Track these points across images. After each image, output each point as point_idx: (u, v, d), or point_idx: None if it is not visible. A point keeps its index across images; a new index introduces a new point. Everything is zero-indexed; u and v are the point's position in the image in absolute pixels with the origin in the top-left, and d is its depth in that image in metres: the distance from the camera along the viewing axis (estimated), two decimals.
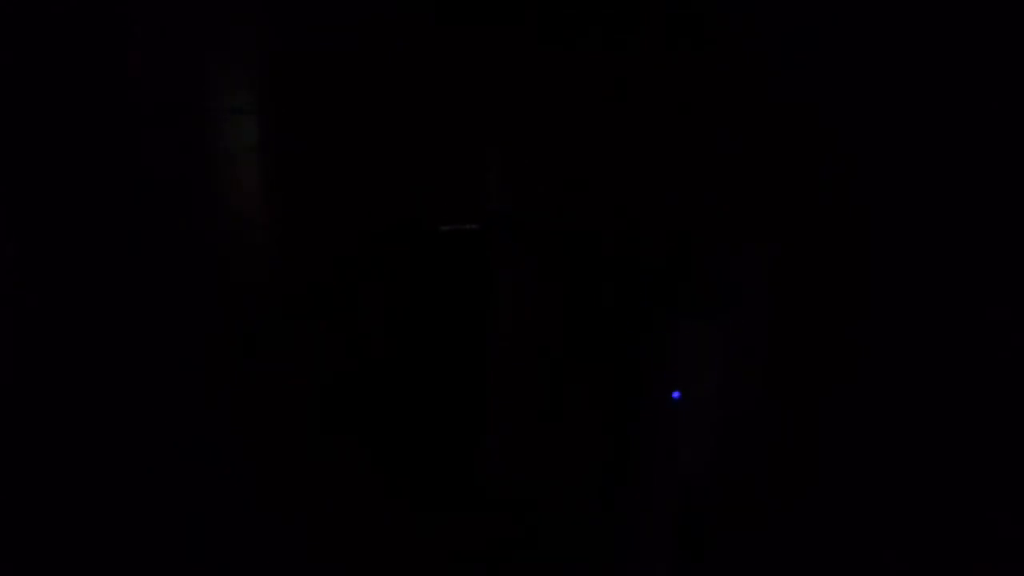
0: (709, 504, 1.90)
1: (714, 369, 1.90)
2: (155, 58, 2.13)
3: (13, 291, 2.10)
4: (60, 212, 2.06)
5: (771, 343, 2.16)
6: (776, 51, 2.07)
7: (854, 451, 2.12)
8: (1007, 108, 1.96)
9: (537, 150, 2.06)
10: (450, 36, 2.08)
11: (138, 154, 2.13)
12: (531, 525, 2.02)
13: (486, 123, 2.09)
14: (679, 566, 1.90)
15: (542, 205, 2.02)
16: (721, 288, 1.87)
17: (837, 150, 2.07)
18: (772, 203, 2.12)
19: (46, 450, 2.29)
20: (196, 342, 2.19)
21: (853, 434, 2.13)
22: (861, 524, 2.05)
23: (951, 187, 2.04)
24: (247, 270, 2.16)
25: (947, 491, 2.05)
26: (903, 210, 2.08)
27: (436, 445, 2.06)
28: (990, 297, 2.04)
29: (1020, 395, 2.04)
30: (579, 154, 2.07)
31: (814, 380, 2.15)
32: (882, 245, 2.11)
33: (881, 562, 2.01)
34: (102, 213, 2.11)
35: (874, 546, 2.03)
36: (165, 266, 2.16)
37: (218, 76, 2.15)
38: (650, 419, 1.80)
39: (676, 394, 1.78)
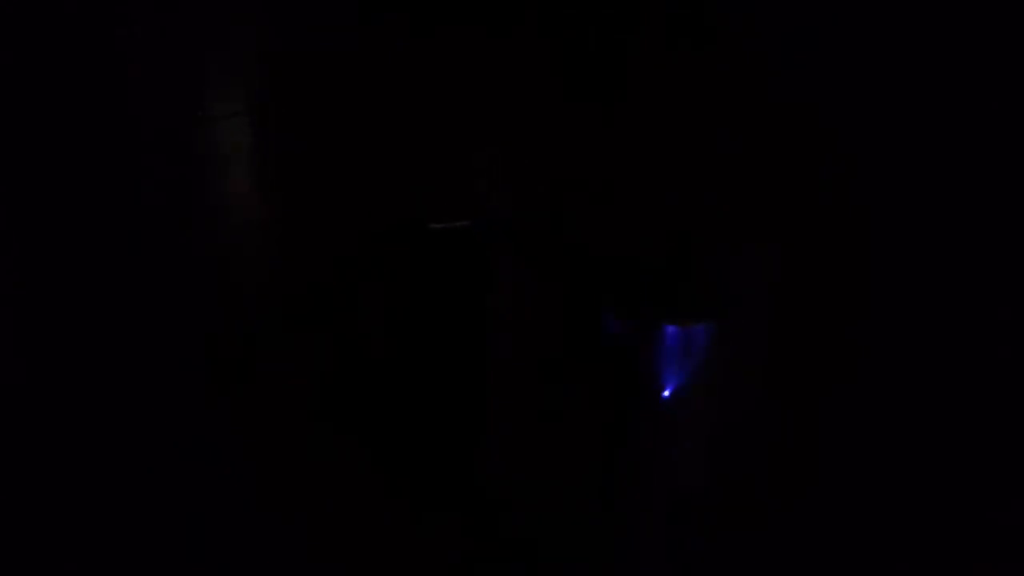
0: (707, 504, 1.89)
1: (713, 369, 1.89)
2: (152, 63, 2.13)
3: (13, 292, 2.10)
4: (59, 214, 2.07)
5: (771, 343, 2.16)
6: (776, 51, 2.07)
7: (854, 451, 2.12)
8: (1007, 108, 1.97)
9: (534, 150, 2.07)
10: (446, 38, 2.08)
11: (136, 156, 2.13)
12: (529, 525, 2.02)
13: (482, 123, 2.09)
14: (677, 566, 1.89)
15: (538, 205, 2.02)
16: (721, 289, 1.87)
17: (837, 150, 2.07)
18: (772, 203, 2.12)
19: (46, 451, 2.30)
20: (195, 342, 2.19)
21: (853, 434, 2.13)
22: (861, 524, 2.05)
23: (951, 187, 2.04)
24: (244, 270, 2.16)
25: (947, 491, 2.05)
26: (903, 210, 2.08)
27: (435, 445, 2.06)
28: (990, 297, 2.04)
29: (1020, 394, 2.05)
30: (577, 154, 2.07)
31: (814, 380, 2.15)
32: (882, 245, 2.11)
33: (881, 562, 2.01)
34: (101, 215, 2.12)
35: (874, 546, 2.03)
36: (163, 267, 2.16)
37: (214, 80, 2.15)
38: (647, 419, 1.79)
39: (665, 393, 1.77)
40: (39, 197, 2.11)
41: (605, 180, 2.09)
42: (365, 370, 2.09)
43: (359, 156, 2.11)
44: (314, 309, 2.06)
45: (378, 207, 2.06)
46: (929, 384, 2.12)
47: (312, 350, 2.10)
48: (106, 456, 2.25)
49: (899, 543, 2.02)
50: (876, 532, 2.04)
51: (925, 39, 2.00)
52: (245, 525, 2.09)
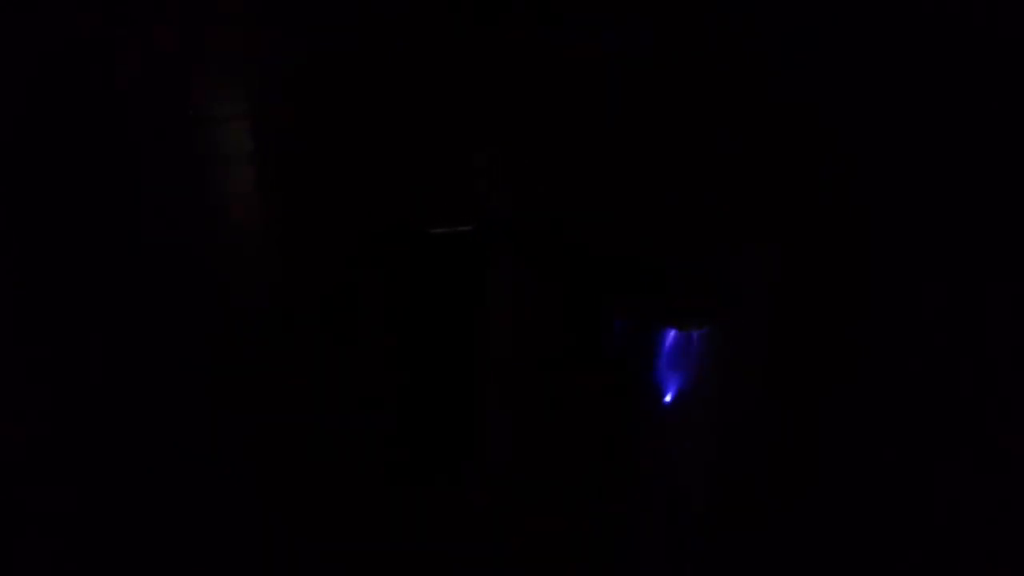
0: (707, 504, 1.89)
1: (714, 370, 1.89)
2: (150, 65, 2.12)
3: (13, 294, 2.10)
4: (58, 215, 2.06)
5: (771, 343, 2.16)
6: (776, 51, 2.06)
7: (854, 451, 2.13)
8: (1007, 108, 1.96)
9: (534, 152, 2.06)
10: (443, 38, 2.08)
11: (135, 160, 2.13)
12: (530, 524, 2.02)
13: (481, 125, 2.09)
14: (677, 566, 1.89)
15: (539, 206, 2.02)
16: (721, 292, 1.87)
17: (837, 150, 2.07)
18: (772, 203, 2.12)
19: (46, 451, 2.30)
20: (195, 345, 2.19)
21: (853, 434, 2.14)
22: (861, 524, 2.05)
23: (951, 187, 2.04)
24: (245, 271, 2.16)
25: (947, 491, 2.05)
26: (903, 210, 2.08)
27: (434, 447, 2.06)
28: (990, 296, 2.04)
29: (1019, 394, 2.05)
30: (577, 156, 2.07)
31: (814, 380, 2.15)
32: (882, 245, 2.11)
33: (881, 562, 2.01)
34: (100, 216, 2.11)
35: (873, 546, 2.03)
36: (162, 268, 2.16)
37: (212, 83, 2.14)
38: (646, 421, 1.79)
39: (667, 398, 1.77)
40: (38, 199, 2.11)
41: (606, 180, 2.09)
42: (364, 372, 2.09)
43: (359, 158, 2.11)
44: (311, 313, 2.06)
45: (378, 209, 2.06)
46: (929, 384, 2.12)
47: (310, 353, 2.11)
48: (106, 456, 2.26)
49: (898, 543, 2.02)
50: (875, 532, 2.04)
51: (925, 39, 1.99)
52: (244, 525, 2.09)
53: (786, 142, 2.08)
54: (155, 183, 2.12)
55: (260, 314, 2.14)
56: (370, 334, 2.06)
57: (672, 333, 1.72)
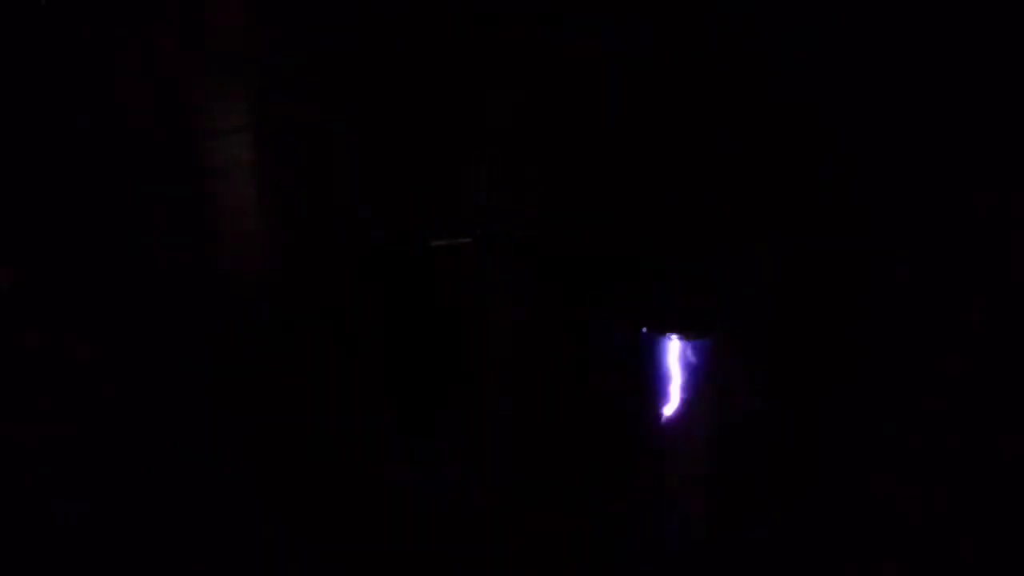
0: (707, 503, 1.88)
1: (714, 371, 1.88)
2: (155, 79, 2.13)
3: (13, 295, 2.11)
4: (66, 223, 2.07)
5: (771, 343, 2.16)
6: (776, 51, 2.06)
7: (854, 451, 2.13)
8: (1007, 108, 1.96)
9: (534, 155, 2.06)
10: (441, 45, 2.07)
11: (141, 169, 2.14)
12: (531, 525, 2.02)
13: (481, 125, 2.09)
14: (677, 566, 1.89)
15: (537, 213, 2.01)
16: (723, 299, 1.86)
17: (837, 150, 2.06)
18: (772, 203, 2.11)
19: (46, 450, 2.31)
20: (198, 349, 2.20)
21: (853, 434, 2.14)
22: (861, 524, 2.05)
23: (952, 186, 2.03)
24: (245, 282, 2.16)
25: (947, 490, 2.05)
26: (903, 209, 2.07)
27: (433, 449, 2.06)
28: (990, 296, 2.03)
29: (1019, 394, 2.04)
30: (576, 156, 2.06)
31: (814, 380, 2.15)
32: (882, 245, 2.10)
33: (881, 562, 2.01)
34: (107, 225, 2.12)
35: (874, 546, 2.03)
36: (167, 275, 2.16)
37: (214, 97, 2.15)
38: (645, 424, 1.79)
39: (671, 404, 1.77)
40: (46, 207, 2.12)
41: (605, 181, 2.08)
42: (363, 378, 2.09)
43: (360, 167, 2.11)
44: (311, 321, 2.06)
45: (379, 217, 2.06)
46: (929, 384, 2.12)
47: (311, 358, 2.11)
48: (107, 456, 2.26)
49: (898, 543, 2.02)
50: (876, 532, 2.04)
51: (925, 39, 1.99)
52: (243, 525, 2.10)
53: (786, 142, 2.08)
54: (160, 193, 2.13)
55: (262, 322, 2.14)
56: (369, 340, 2.06)
57: (673, 340, 1.71)
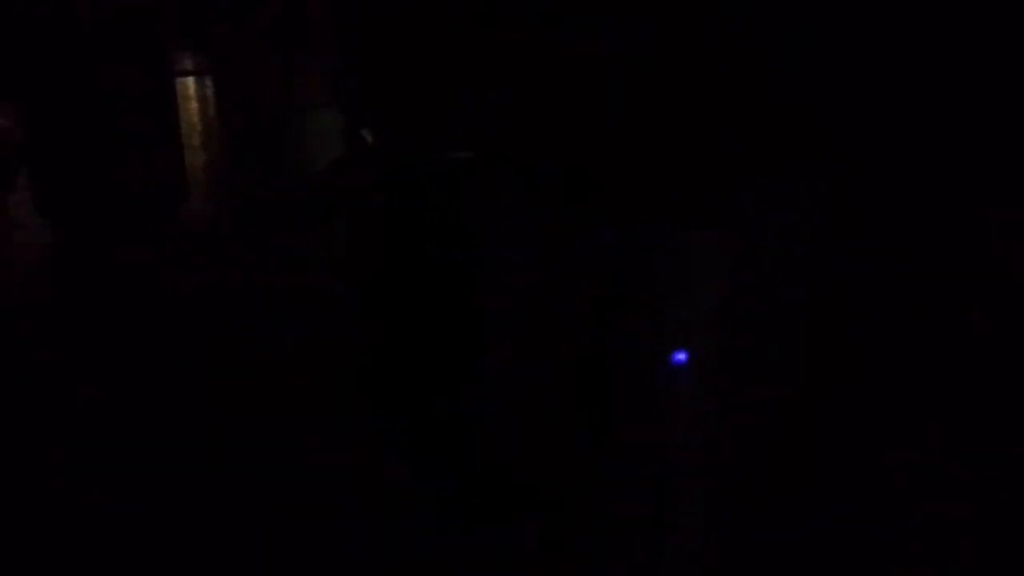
0: (709, 504, 1.84)
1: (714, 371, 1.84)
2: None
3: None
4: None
5: (771, 344, 2.16)
6: (776, 51, 2.05)
7: (854, 451, 2.12)
8: (1007, 108, 1.95)
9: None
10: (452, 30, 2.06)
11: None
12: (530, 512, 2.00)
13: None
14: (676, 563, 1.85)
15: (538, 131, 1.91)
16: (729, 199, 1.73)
17: (837, 150, 2.06)
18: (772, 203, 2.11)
19: (46, 449, 2.31)
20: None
21: (853, 434, 2.13)
22: (862, 524, 2.04)
23: (951, 187, 2.03)
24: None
25: (948, 491, 2.05)
26: (903, 209, 2.07)
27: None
28: (989, 297, 2.03)
29: (1020, 394, 2.04)
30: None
31: (815, 380, 2.14)
32: (882, 245, 2.10)
33: (881, 562, 2.00)
34: None
35: (874, 546, 2.02)
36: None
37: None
38: (642, 393, 1.68)
39: (679, 357, 1.64)
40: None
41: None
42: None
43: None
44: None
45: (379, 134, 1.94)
46: (930, 384, 2.12)
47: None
48: (109, 455, 2.26)
49: (900, 543, 2.02)
50: (876, 532, 2.04)
51: (926, 38, 1.98)
52: (242, 525, 2.09)
53: (787, 142, 2.07)
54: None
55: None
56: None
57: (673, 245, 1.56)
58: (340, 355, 2.47)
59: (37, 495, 2.15)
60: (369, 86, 2.01)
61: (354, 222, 2.05)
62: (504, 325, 1.95)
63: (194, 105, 5.97)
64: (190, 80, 6.38)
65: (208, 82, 6.42)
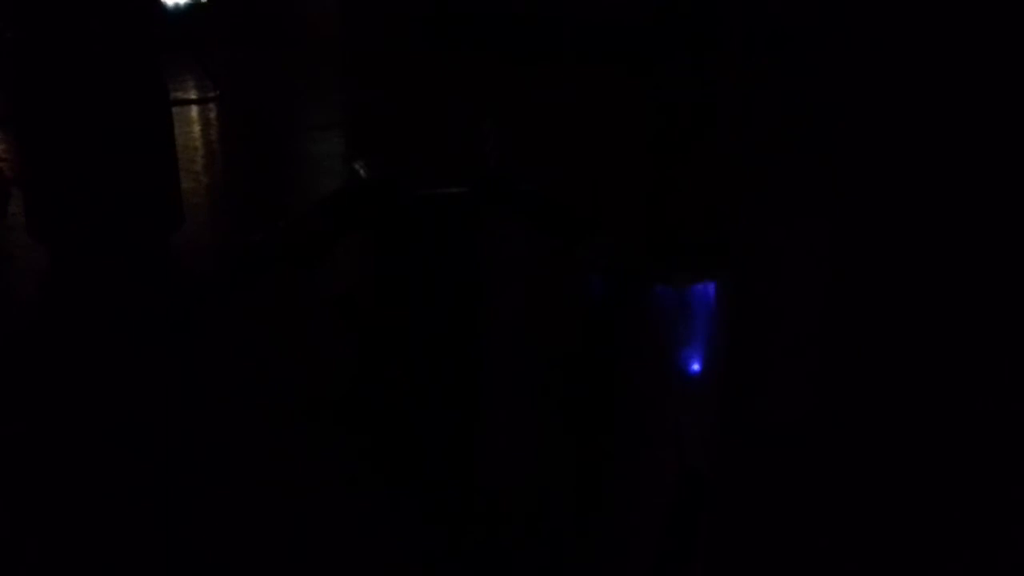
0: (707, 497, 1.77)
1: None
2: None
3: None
4: None
5: (772, 344, 2.13)
6: (777, 51, 2.04)
7: (856, 450, 2.10)
8: (1008, 107, 1.94)
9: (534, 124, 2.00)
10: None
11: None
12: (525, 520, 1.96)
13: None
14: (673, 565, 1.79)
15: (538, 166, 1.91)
16: (716, 249, 1.73)
17: (836, 146, 2.05)
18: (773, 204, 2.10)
19: (46, 449, 2.30)
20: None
21: (855, 434, 2.11)
22: (862, 524, 2.01)
23: (953, 187, 2.02)
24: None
25: (951, 491, 2.02)
26: (904, 208, 2.06)
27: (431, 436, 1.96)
28: (989, 297, 2.01)
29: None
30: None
31: (816, 380, 2.12)
32: (883, 245, 2.09)
33: (882, 562, 1.96)
34: None
35: (875, 546, 1.98)
36: None
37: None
38: (643, 405, 1.65)
39: (694, 367, 1.62)
40: None
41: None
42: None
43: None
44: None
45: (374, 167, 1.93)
46: (930, 384, 2.09)
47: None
48: (108, 455, 2.25)
49: (901, 543, 1.98)
50: (877, 532, 2.00)
51: (926, 38, 1.97)
52: (241, 526, 2.07)
53: (787, 142, 2.06)
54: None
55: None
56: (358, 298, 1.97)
57: (664, 293, 1.55)
58: (332, 382, 2.46)
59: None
60: (365, 121, 2.03)
61: (349, 255, 2.04)
62: (500, 356, 1.94)
63: (192, 129, 5.99)
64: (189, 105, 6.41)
65: (206, 107, 6.44)
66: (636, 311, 1.55)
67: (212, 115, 6.37)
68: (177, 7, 8.58)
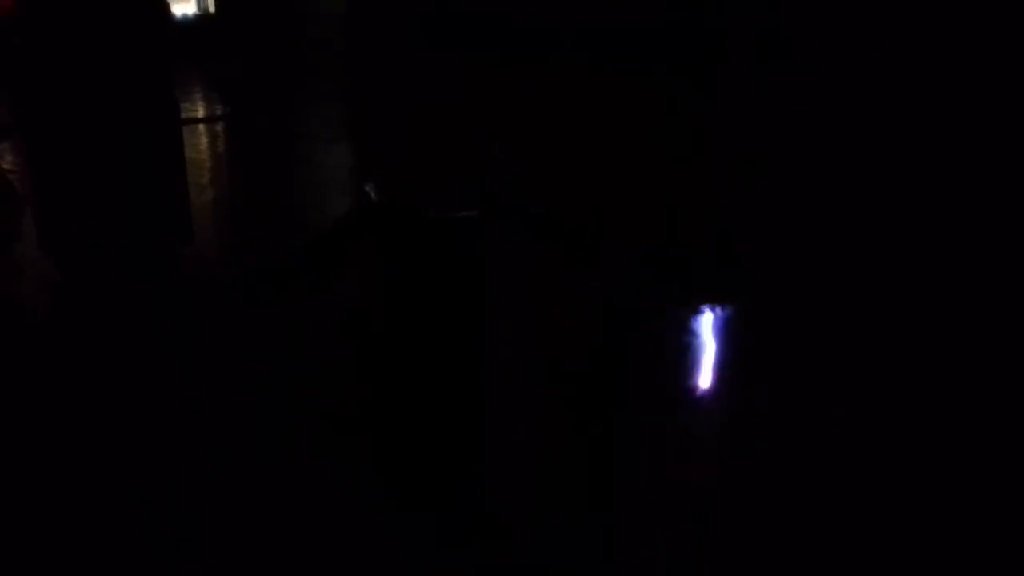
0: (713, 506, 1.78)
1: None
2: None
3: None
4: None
5: (773, 344, 2.14)
6: (778, 52, 2.05)
7: (856, 451, 2.09)
8: (1008, 108, 1.94)
9: (543, 145, 2.02)
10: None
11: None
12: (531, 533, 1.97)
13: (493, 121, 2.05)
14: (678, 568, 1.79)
15: (542, 193, 1.94)
16: (739, 269, 1.74)
17: (838, 150, 2.05)
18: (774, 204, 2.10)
19: (47, 448, 2.31)
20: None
21: (855, 434, 2.11)
22: (869, 542, 2.00)
23: (953, 187, 2.01)
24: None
25: (956, 509, 2.02)
26: (904, 209, 2.06)
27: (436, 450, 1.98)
28: (989, 298, 2.01)
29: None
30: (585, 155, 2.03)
31: (816, 380, 2.12)
32: (882, 246, 2.09)
33: (882, 562, 1.95)
34: None
35: (876, 547, 1.98)
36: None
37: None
38: (649, 420, 1.66)
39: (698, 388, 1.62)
40: None
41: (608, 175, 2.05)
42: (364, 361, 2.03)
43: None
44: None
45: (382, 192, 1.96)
46: (931, 384, 2.09)
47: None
48: (116, 465, 2.26)
49: (902, 544, 1.98)
50: (877, 533, 2.00)
51: (927, 39, 1.98)
52: (240, 527, 2.07)
53: (787, 141, 2.07)
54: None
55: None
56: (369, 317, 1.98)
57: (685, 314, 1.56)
58: (340, 393, 2.48)
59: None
60: (372, 134, 2.06)
61: (359, 276, 2.06)
62: (506, 372, 1.95)
63: (200, 142, 6.01)
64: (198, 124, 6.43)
65: (215, 124, 6.46)
66: (648, 335, 1.56)
67: (219, 127, 6.40)
68: (185, 19, 8.65)
